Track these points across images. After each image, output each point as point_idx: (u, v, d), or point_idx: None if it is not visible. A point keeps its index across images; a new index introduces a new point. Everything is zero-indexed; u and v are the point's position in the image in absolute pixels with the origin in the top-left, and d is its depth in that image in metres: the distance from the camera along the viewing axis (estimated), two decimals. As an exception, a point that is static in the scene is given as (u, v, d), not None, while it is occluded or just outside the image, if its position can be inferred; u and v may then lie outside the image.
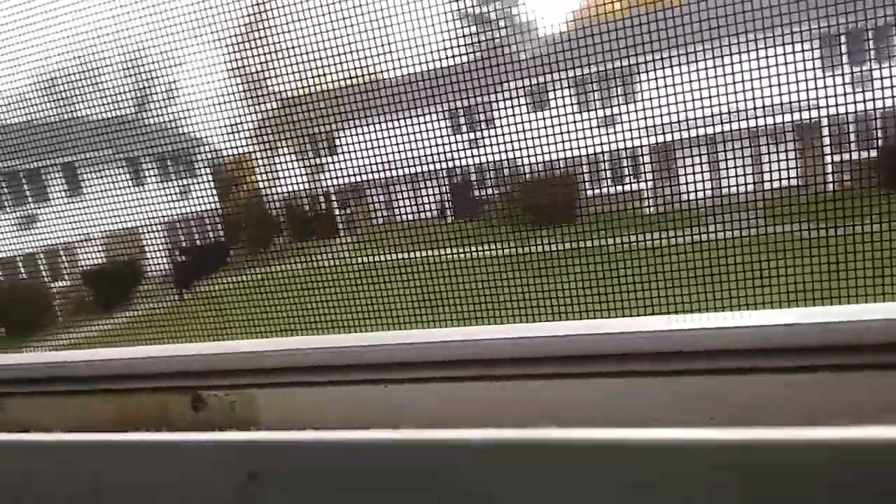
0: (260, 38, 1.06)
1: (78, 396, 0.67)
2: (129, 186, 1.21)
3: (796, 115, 0.87)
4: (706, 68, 0.84)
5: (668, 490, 0.45)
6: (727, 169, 0.92)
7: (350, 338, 0.67)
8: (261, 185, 1.19)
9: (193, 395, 0.64)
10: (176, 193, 1.25)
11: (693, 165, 0.93)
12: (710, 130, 0.92)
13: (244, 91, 1.10)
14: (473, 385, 0.62)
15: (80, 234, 1.24)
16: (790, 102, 0.83)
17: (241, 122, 1.11)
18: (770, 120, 0.91)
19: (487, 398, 0.62)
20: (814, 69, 0.80)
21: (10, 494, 0.64)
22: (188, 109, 1.13)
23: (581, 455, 0.48)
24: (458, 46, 0.92)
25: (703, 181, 0.93)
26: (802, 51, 0.79)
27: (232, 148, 1.16)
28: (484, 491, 0.50)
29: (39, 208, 1.35)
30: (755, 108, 0.86)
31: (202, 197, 1.22)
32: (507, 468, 0.49)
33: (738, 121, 0.89)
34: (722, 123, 0.89)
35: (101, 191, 1.22)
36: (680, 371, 0.55)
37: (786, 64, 0.81)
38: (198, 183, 1.23)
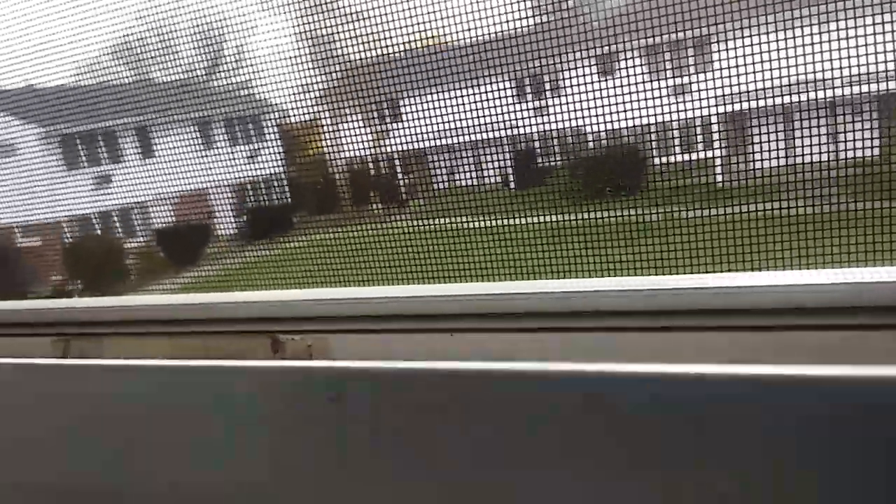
0: (327, 2, 1.07)
1: (167, 337, 0.71)
2: (198, 149, 1.24)
3: (879, 87, 0.84)
4: (785, 38, 0.82)
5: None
6: (802, 139, 0.89)
7: (419, 288, 0.71)
8: (326, 149, 1.21)
9: (273, 338, 0.67)
10: (243, 157, 1.28)
11: (766, 135, 0.91)
12: (785, 100, 0.89)
13: (311, 56, 1.11)
14: (530, 336, 0.67)
15: (152, 195, 1.29)
16: (875, 73, 0.80)
17: (308, 88, 1.13)
18: (848, 90, 0.88)
19: (542, 349, 0.66)
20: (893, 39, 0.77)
21: (107, 415, 0.68)
22: (257, 73, 1.16)
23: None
24: (526, 9, 0.91)
25: (776, 151, 0.91)
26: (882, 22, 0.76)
27: (298, 113, 1.18)
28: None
29: (113, 169, 1.41)
30: (833, 78, 0.83)
31: (268, 160, 1.25)
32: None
33: (815, 90, 0.87)
34: (799, 93, 0.87)
35: (172, 153, 1.26)
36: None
37: (872, 35, 0.78)
38: (265, 147, 1.26)
